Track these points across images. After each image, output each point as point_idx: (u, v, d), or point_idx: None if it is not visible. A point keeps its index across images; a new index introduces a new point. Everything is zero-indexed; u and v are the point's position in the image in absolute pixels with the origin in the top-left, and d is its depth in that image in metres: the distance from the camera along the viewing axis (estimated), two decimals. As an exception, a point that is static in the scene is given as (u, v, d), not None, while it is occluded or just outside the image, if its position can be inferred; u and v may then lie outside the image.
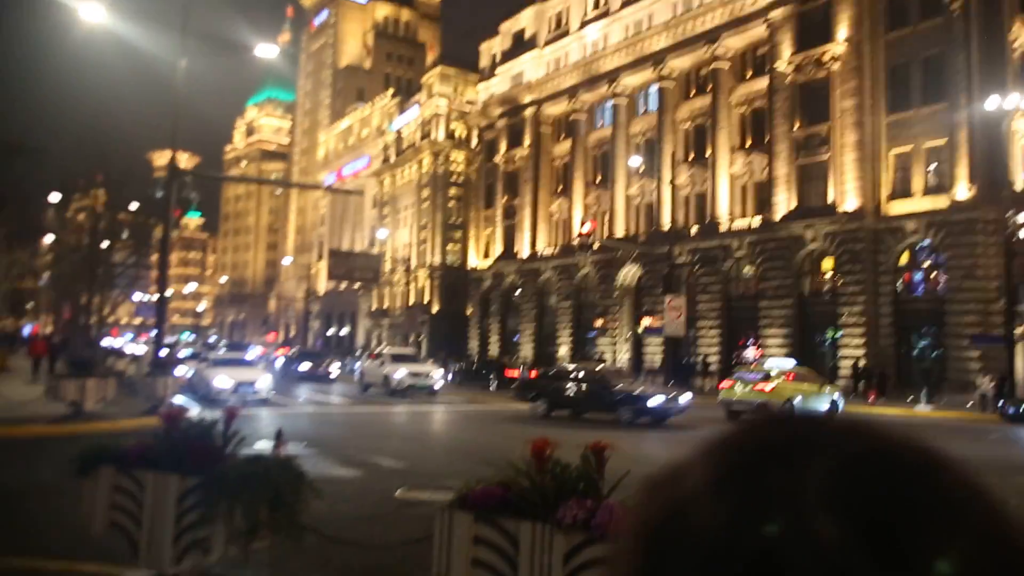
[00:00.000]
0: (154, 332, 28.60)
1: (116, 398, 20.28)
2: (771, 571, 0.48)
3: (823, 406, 26.08)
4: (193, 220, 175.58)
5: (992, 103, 32.70)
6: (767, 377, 26.04)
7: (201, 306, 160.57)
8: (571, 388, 23.46)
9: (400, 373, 31.35)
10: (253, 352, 59.46)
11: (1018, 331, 32.67)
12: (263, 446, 12.98)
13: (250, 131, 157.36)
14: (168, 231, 24.91)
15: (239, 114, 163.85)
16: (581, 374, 24.37)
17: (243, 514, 5.88)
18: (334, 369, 41.88)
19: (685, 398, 23.00)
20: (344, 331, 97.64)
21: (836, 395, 28.04)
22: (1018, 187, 35.50)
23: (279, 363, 46.98)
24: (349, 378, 41.62)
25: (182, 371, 29.97)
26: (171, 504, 6.11)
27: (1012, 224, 31.55)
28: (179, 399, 22.96)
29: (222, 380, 25.38)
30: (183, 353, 41.07)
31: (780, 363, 30.00)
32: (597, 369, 26.85)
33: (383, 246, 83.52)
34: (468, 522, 5.06)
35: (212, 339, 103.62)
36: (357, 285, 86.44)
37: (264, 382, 25.97)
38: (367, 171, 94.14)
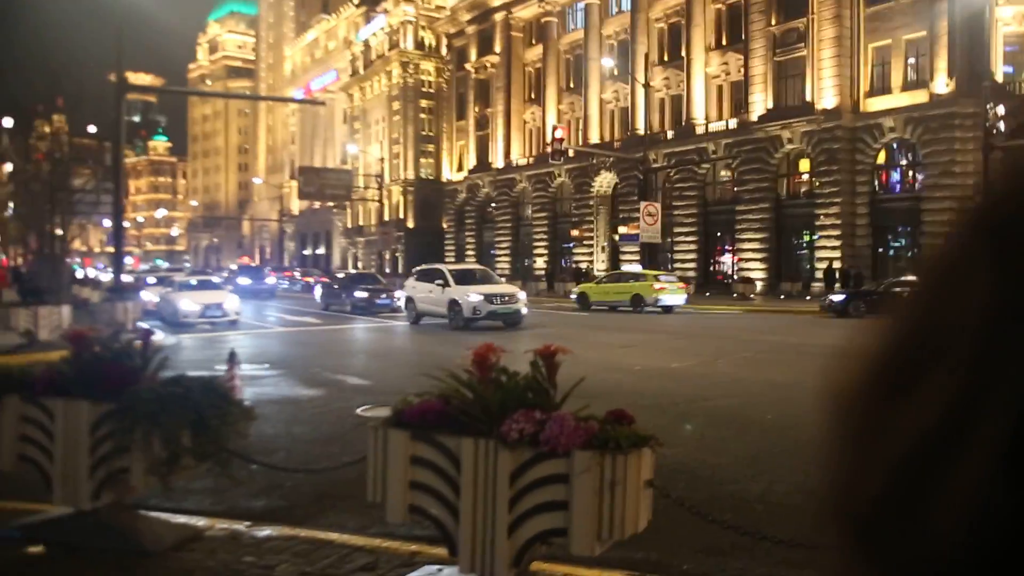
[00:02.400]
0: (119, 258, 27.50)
1: (74, 325, 19.54)
2: None
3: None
4: (161, 143, 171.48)
5: (974, -10, 31.61)
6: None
7: (174, 231, 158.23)
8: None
9: (475, 298, 23.94)
10: (270, 279, 55.58)
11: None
12: (220, 369, 12.46)
13: (213, 48, 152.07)
14: (119, 151, 23.80)
15: (202, 31, 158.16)
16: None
17: (162, 441, 5.31)
18: (400, 296, 31.95)
19: None
20: (320, 251, 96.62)
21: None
22: (999, 79, 34.72)
23: (318, 292, 40.30)
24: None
25: (148, 296, 29.31)
26: (84, 433, 5.52)
27: (991, 118, 30.85)
28: (144, 323, 22.32)
29: (188, 304, 24.95)
30: (179, 278, 38.92)
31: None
32: None
33: (355, 162, 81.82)
34: (404, 441, 4.52)
35: (186, 265, 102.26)
36: (331, 203, 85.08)
37: (232, 304, 25.55)
38: (336, 85, 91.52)
